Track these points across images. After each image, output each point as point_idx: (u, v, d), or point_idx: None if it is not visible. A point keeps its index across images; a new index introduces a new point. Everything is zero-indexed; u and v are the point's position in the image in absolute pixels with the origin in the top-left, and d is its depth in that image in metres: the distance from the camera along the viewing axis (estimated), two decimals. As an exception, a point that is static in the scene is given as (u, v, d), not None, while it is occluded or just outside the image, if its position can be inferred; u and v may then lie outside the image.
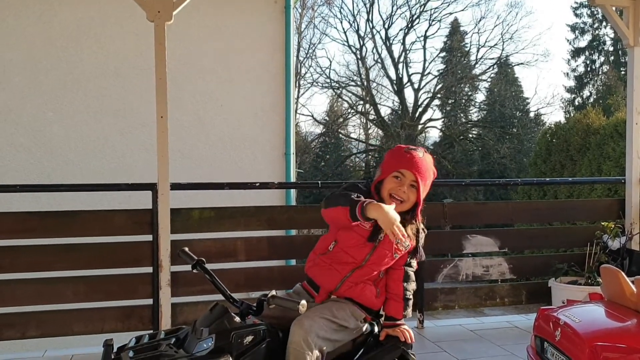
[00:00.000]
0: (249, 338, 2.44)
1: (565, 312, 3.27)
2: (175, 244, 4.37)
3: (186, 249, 2.81)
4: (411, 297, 2.75)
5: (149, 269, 4.50)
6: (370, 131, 31.14)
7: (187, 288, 4.60)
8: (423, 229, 2.74)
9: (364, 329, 2.71)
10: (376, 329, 2.75)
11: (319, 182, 5.66)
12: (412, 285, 2.76)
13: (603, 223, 5.30)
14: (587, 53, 30.48)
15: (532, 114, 28.78)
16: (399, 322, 2.71)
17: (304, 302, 2.31)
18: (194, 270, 2.73)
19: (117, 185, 4.89)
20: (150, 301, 4.53)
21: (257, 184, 5.20)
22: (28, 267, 4.42)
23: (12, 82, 7.45)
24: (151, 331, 2.81)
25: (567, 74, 30.87)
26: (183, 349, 2.43)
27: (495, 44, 27.58)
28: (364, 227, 2.56)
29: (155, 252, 4.40)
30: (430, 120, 28.43)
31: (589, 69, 30.45)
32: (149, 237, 4.49)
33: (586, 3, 28.80)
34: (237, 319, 2.49)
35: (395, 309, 2.71)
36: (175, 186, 4.48)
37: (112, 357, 2.40)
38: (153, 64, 7.37)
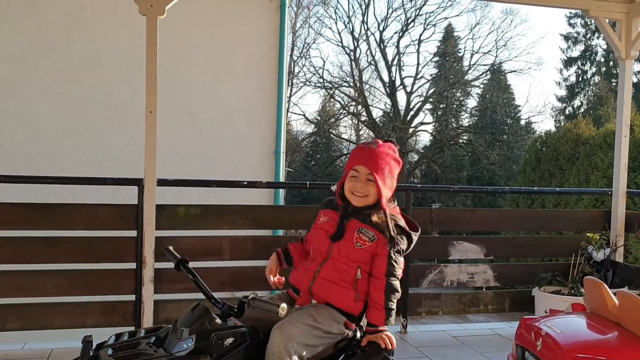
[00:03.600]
0: (230, 340, 2.43)
1: (547, 322, 3.28)
2: (160, 240, 4.33)
3: (170, 247, 2.79)
4: (394, 307, 2.68)
5: (133, 265, 4.47)
6: (361, 132, 31.17)
7: (171, 285, 4.56)
8: (400, 229, 2.65)
9: (346, 334, 2.70)
10: (358, 334, 2.74)
11: (307, 182, 5.64)
12: (396, 296, 2.67)
13: (588, 234, 5.33)
14: (579, 63, 30.68)
15: (522, 122, 28.95)
16: (381, 328, 2.69)
17: (284, 305, 2.30)
18: (178, 270, 2.70)
19: (104, 179, 4.86)
20: (132, 297, 4.49)
21: (245, 183, 5.17)
22: (10, 258, 4.37)
23: (1, 70, 7.38)
24: (131, 329, 2.78)
25: (559, 83, 31.10)
26: (163, 349, 2.40)
27: (489, 51, 27.78)
28: (324, 227, 2.66)
29: (139, 248, 4.36)
30: (421, 124, 28.53)
31: (580, 79, 30.65)
32: (134, 233, 4.45)
33: (580, 13, 29.00)
34: (218, 320, 2.47)
35: (376, 317, 2.66)
36: (162, 182, 4.45)
37: (91, 353, 2.38)
38: (144, 56, 7.37)
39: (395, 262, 2.60)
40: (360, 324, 2.77)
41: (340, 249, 2.61)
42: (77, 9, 7.57)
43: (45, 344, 4.49)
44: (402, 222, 2.67)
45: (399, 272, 2.64)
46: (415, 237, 2.70)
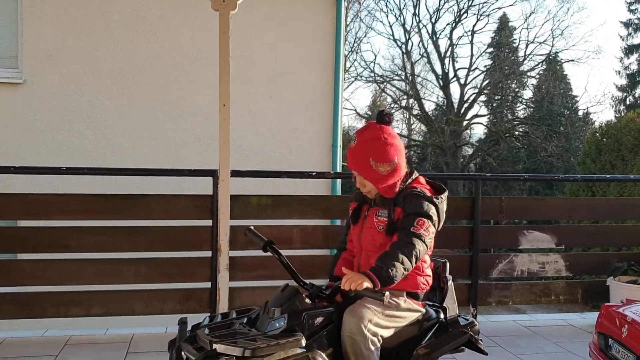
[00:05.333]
0: (320, 319, 2.50)
1: (632, 309, 3.22)
2: (234, 229, 4.43)
3: (252, 227, 2.85)
4: (396, 264, 2.45)
5: (208, 253, 4.60)
6: (413, 126, 30.97)
7: (245, 273, 4.69)
8: (412, 193, 2.63)
9: (427, 314, 2.72)
10: (442, 316, 2.76)
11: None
12: (406, 254, 2.47)
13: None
14: (640, 50, 29.63)
15: (580, 112, 28.17)
16: (363, 277, 2.46)
17: (387, 293, 2.36)
18: (265, 251, 2.78)
19: (180, 170, 5.00)
20: (208, 284, 4.62)
21: (314, 174, 5.23)
22: (93, 247, 4.55)
23: (71, 70, 7.67)
24: (224, 311, 2.88)
25: (619, 72, 30.10)
26: (255, 328, 2.49)
27: (545, 40, 27.09)
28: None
29: (214, 237, 4.47)
30: (475, 116, 28.10)
31: (642, 67, 29.59)
32: (209, 222, 4.58)
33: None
34: (308, 300, 2.54)
35: (373, 261, 2.53)
36: (234, 173, 4.54)
37: (188, 334, 2.48)
38: (206, 54, 7.53)
39: (416, 222, 2.54)
40: (444, 304, 2.79)
41: (366, 238, 2.69)
42: (142, 8, 7.79)
43: (126, 330, 4.68)
44: (426, 192, 2.65)
45: (421, 231, 2.53)
46: (438, 199, 2.64)
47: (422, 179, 2.76)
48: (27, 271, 4.58)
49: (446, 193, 2.72)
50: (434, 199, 2.64)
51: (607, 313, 3.37)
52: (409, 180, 2.70)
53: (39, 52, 7.55)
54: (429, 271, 2.74)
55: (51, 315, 4.56)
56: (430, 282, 2.75)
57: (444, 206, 2.69)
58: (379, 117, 2.72)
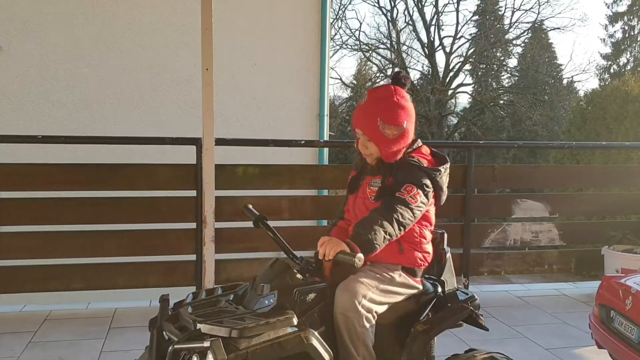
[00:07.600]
0: (312, 295, 2.36)
1: (635, 280, 3.11)
2: (219, 200, 4.27)
3: (250, 205, 2.72)
4: (378, 230, 2.29)
5: (193, 225, 4.44)
6: (398, 96, 30.69)
7: (230, 245, 4.54)
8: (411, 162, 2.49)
9: (424, 288, 2.60)
10: (439, 289, 2.64)
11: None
12: (388, 218, 2.31)
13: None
14: (625, 18, 29.48)
15: (565, 81, 28.13)
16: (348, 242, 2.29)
17: (360, 255, 2.21)
18: (257, 227, 2.65)
19: (162, 139, 4.81)
20: (193, 257, 4.48)
21: (302, 142, 5.06)
22: (74, 219, 4.37)
23: (49, 38, 7.39)
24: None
25: (604, 39, 30.02)
26: (242, 306, 2.34)
27: (531, 8, 26.90)
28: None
29: (199, 208, 4.31)
30: (461, 85, 27.93)
31: (627, 35, 29.49)
32: (193, 193, 4.41)
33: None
34: (299, 275, 2.40)
35: (353, 226, 2.41)
36: (219, 141, 4.36)
37: (170, 312, 2.32)
38: (188, 19, 7.28)
39: (403, 188, 2.40)
40: (442, 278, 2.67)
41: (360, 207, 2.57)
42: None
43: (109, 304, 4.54)
44: (424, 163, 2.51)
45: (407, 197, 2.38)
46: (437, 171, 2.49)
47: (425, 149, 2.60)
48: (4, 245, 4.38)
49: (447, 164, 2.57)
50: (430, 170, 2.49)
51: (608, 284, 3.27)
52: (410, 150, 2.55)
53: (15, 19, 7.24)
54: (428, 247, 2.59)
55: (29, 290, 4.41)
56: (430, 259, 2.60)
57: (444, 178, 2.53)
58: (395, 78, 2.55)
